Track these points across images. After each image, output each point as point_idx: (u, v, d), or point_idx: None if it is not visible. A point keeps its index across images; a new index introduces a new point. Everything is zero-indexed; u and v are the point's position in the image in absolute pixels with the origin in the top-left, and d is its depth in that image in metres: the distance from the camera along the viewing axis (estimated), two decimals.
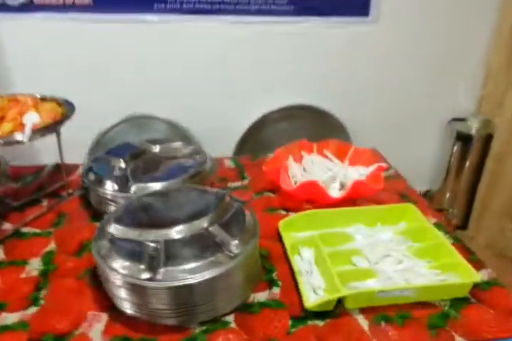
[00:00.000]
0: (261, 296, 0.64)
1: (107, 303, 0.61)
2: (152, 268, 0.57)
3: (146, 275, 0.56)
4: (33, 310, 0.61)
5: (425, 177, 1.90)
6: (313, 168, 0.93)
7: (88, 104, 1.55)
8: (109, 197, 0.79)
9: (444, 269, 0.65)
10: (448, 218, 1.78)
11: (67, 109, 0.88)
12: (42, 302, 0.62)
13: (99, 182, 0.81)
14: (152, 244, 0.59)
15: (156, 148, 0.93)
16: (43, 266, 0.69)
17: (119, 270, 0.57)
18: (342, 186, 0.89)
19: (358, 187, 0.83)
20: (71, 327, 0.58)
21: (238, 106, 1.64)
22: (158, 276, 0.56)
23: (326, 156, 0.98)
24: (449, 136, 1.69)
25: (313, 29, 1.51)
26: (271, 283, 0.66)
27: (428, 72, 1.64)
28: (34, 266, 0.70)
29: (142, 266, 0.57)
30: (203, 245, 0.60)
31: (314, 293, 0.63)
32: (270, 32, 1.50)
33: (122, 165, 0.84)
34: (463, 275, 0.63)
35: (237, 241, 0.60)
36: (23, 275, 0.68)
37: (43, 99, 0.91)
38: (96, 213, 0.82)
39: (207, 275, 0.57)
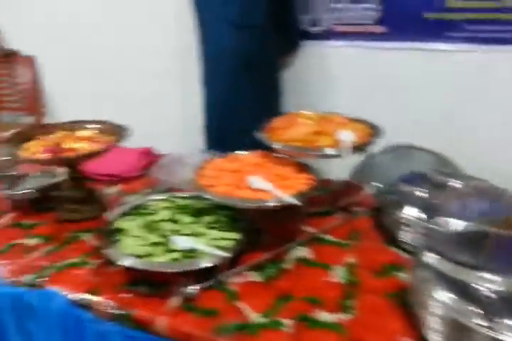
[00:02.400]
0: None
1: (414, 333, 0.62)
2: (488, 315, 0.54)
3: (481, 321, 0.54)
4: (346, 316, 0.67)
5: None
6: None
7: None
8: (406, 222, 0.80)
9: None
10: None
11: (373, 130, 0.94)
12: (353, 311, 0.68)
13: (398, 205, 0.84)
14: (484, 289, 0.57)
15: (458, 184, 0.91)
16: (348, 276, 0.75)
17: (445, 301, 0.57)
18: None
19: None
20: None
21: None
22: (497, 326, 0.53)
23: None
24: None
25: None
26: None
27: None
28: (337, 273, 0.76)
29: (475, 309, 0.55)
30: None
31: None
32: None
33: (423, 194, 0.85)
34: None
35: None
36: (327, 279, 0.75)
37: (351, 120, 0.99)
38: (387, 236, 0.85)
39: None
